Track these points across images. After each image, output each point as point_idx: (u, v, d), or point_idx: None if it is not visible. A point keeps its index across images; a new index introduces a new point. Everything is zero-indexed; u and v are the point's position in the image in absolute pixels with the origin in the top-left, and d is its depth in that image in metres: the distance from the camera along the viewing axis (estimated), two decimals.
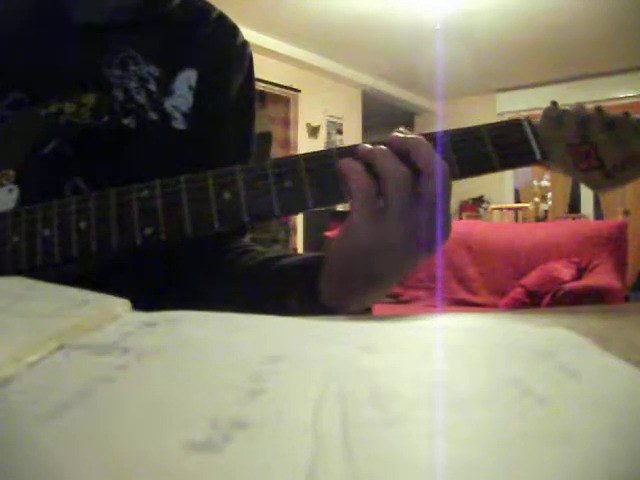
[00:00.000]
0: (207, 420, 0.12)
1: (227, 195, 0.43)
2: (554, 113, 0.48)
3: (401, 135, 0.43)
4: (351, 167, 0.42)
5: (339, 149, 0.44)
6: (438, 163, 0.41)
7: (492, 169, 0.44)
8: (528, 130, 0.46)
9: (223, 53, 0.65)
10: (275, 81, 5.02)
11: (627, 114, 0.48)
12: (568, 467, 0.11)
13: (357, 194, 0.41)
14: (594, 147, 0.46)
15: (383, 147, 0.42)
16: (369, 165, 0.41)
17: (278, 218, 0.45)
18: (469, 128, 0.45)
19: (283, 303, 0.48)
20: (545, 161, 0.46)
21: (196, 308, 0.24)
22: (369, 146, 0.43)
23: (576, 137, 0.47)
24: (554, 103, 0.49)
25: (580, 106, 0.48)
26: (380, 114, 6.37)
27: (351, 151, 0.43)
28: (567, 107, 0.48)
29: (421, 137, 0.43)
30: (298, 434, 0.12)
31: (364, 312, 0.49)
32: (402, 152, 0.42)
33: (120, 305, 0.24)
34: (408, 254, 0.42)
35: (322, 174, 0.43)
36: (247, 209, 0.43)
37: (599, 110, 0.48)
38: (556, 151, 0.46)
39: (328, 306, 0.46)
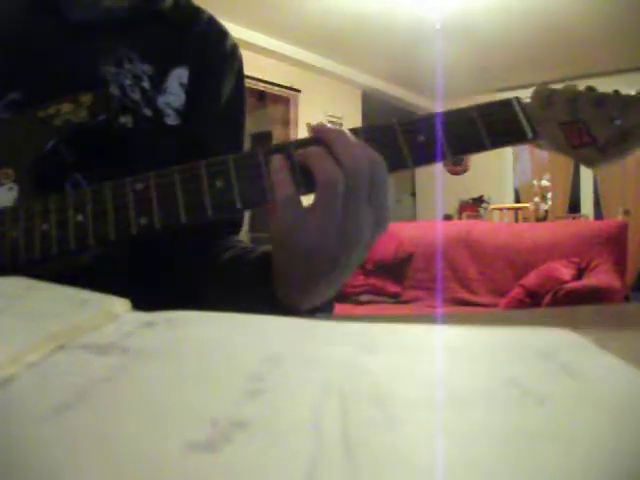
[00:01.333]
0: (207, 420, 0.12)
1: (219, 183, 0.44)
2: (544, 93, 0.48)
3: (323, 128, 0.44)
4: (279, 178, 0.42)
5: (303, 139, 0.45)
6: (361, 156, 0.41)
7: (483, 147, 0.45)
8: (518, 109, 0.46)
9: (214, 53, 0.67)
10: (275, 81, 5.02)
11: (617, 91, 0.48)
12: (568, 467, 0.11)
13: (281, 199, 0.42)
14: (585, 124, 0.47)
15: (317, 149, 0.42)
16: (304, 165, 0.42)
17: (272, 202, 0.45)
18: (459, 109, 0.46)
19: (244, 304, 0.49)
20: (537, 139, 0.46)
21: (193, 307, 0.24)
22: (307, 148, 0.43)
23: (567, 115, 0.47)
24: (544, 83, 0.49)
25: (570, 85, 0.49)
26: (380, 114, 6.38)
27: (311, 141, 0.44)
28: (558, 87, 0.49)
29: (342, 130, 0.43)
30: (298, 434, 0.12)
31: (326, 308, 0.50)
32: (328, 146, 0.42)
33: (120, 305, 0.24)
34: (342, 250, 0.43)
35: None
36: (240, 196, 0.43)
37: (590, 89, 0.48)
38: (547, 129, 0.47)
39: (285, 303, 0.47)
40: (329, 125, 0.44)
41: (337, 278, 0.46)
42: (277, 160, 0.43)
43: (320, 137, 0.43)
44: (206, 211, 0.43)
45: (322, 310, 0.49)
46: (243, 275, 0.52)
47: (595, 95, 0.48)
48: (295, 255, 0.43)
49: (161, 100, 0.60)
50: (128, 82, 0.59)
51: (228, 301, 0.51)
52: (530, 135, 0.45)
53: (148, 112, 0.59)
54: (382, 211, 0.43)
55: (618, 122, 0.46)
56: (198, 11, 0.68)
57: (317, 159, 0.42)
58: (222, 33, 0.69)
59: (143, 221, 0.44)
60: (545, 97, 0.47)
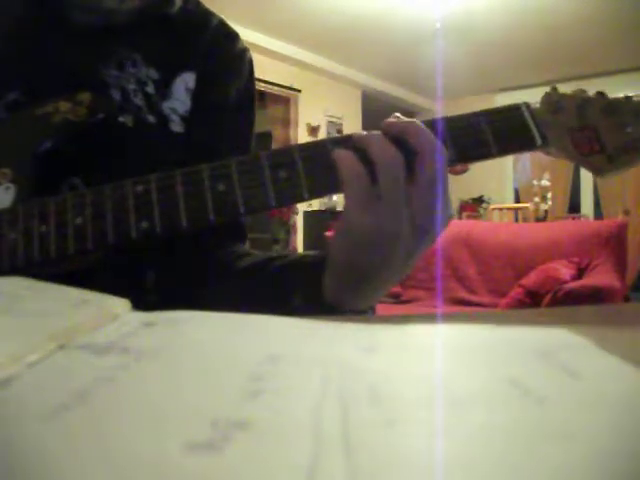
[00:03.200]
0: (207, 420, 0.12)
1: (222, 187, 0.43)
2: (553, 98, 0.47)
3: (394, 119, 0.43)
4: (342, 155, 0.41)
5: (334, 138, 0.44)
6: (434, 144, 0.40)
7: (490, 155, 0.44)
8: (527, 115, 0.45)
9: (222, 57, 0.66)
10: (275, 81, 5.02)
11: (628, 97, 0.47)
12: (568, 467, 0.11)
13: (348, 182, 0.41)
14: (595, 131, 0.45)
15: (376, 132, 0.42)
16: (363, 152, 0.41)
17: (274, 208, 0.44)
18: (467, 114, 0.45)
19: (286, 301, 0.47)
20: (545, 146, 0.45)
21: (195, 309, 0.24)
22: (363, 133, 0.42)
23: (576, 121, 0.46)
24: (554, 88, 0.48)
25: (580, 90, 0.47)
26: (380, 114, 6.37)
27: (345, 140, 0.43)
28: (567, 92, 0.48)
29: (416, 120, 0.42)
30: (298, 434, 0.12)
31: (369, 312, 0.48)
32: (397, 136, 0.41)
33: (120, 305, 0.24)
34: (408, 242, 0.41)
35: (317, 164, 0.43)
36: (243, 200, 0.43)
37: (600, 94, 0.47)
38: (556, 136, 0.45)
39: (333, 303, 0.45)
40: (399, 117, 0.43)
41: (392, 274, 0.44)
42: (339, 149, 0.42)
43: (394, 130, 0.42)
44: (208, 215, 0.42)
45: (364, 314, 0.47)
46: (291, 276, 0.50)
47: (606, 101, 0.46)
48: (365, 239, 0.41)
49: (166, 105, 0.60)
50: (131, 87, 0.58)
51: (267, 305, 0.50)
52: (539, 142, 0.44)
53: (152, 118, 0.59)
54: (448, 201, 0.42)
55: (629, 129, 0.45)
56: (208, 16, 0.67)
57: (373, 141, 0.41)
58: (232, 36, 0.68)
59: (144, 225, 0.43)
60: (554, 102, 0.46)
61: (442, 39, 4.49)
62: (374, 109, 6.16)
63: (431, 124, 0.43)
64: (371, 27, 4.56)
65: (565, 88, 0.49)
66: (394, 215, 0.40)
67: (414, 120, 0.42)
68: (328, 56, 5.33)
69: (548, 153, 0.47)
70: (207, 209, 0.43)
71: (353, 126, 5.91)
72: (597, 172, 0.46)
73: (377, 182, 0.40)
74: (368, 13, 4.33)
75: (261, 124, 5.04)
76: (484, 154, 0.44)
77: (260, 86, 4.76)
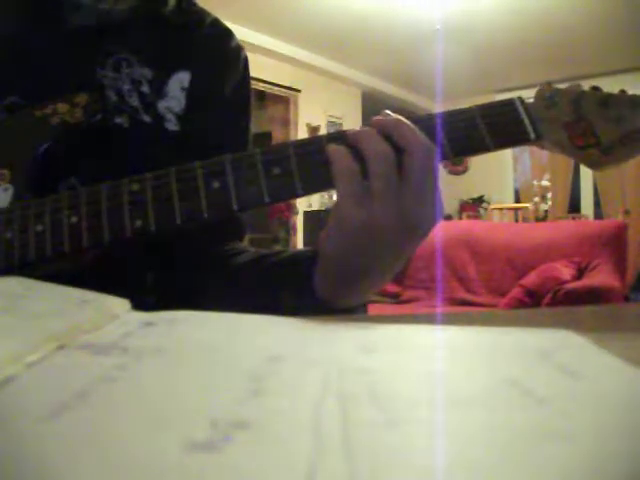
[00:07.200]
0: (207, 420, 0.12)
1: (216, 184, 0.43)
2: (547, 92, 0.47)
3: (381, 117, 0.43)
4: (335, 151, 0.42)
5: (328, 135, 0.44)
6: (421, 142, 0.41)
7: (485, 149, 0.44)
8: (521, 109, 0.45)
9: (217, 55, 0.66)
10: (275, 81, 5.02)
11: (623, 91, 0.47)
12: (568, 466, 0.11)
13: (340, 177, 0.41)
14: (590, 124, 0.46)
15: (368, 128, 0.42)
16: (356, 148, 0.41)
17: (268, 205, 0.44)
18: (461, 109, 0.45)
19: (278, 297, 0.47)
20: (540, 140, 0.45)
21: (193, 308, 0.24)
22: (356, 129, 0.43)
23: (571, 115, 0.46)
24: (548, 83, 0.48)
25: (575, 85, 0.48)
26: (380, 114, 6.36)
27: (339, 136, 0.43)
28: (561, 86, 0.48)
29: (402, 117, 0.43)
30: (298, 434, 0.12)
31: (361, 309, 0.49)
32: (385, 133, 0.41)
33: (120, 305, 0.24)
34: (399, 238, 0.41)
35: (311, 160, 0.43)
36: (236, 197, 0.43)
37: (595, 88, 0.47)
38: (551, 130, 0.46)
39: (324, 300, 0.45)
40: (387, 114, 0.43)
41: (384, 271, 0.44)
42: (332, 145, 0.42)
43: (382, 127, 0.42)
44: (202, 212, 0.43)
45: (356, 312, 0.47)
46: (282, 273, 0.50)
47: (600, 95, 0.47)
48: (356, 234, 0.41)
49: (161, 105, 0.60)
50: (126, 87, 0.58)
51: (260, 302, 0.49)
52: (533, 136, 0.45)
53: (147, 118, 0.59)
54: (438, 198, 0.42)
55: (624, 122, 0.45)
56: (202, 14, 0.67)
57: (366, 137, 0.41)
58: (226, 34, 0.68)
59: (138, 223, 0.43)
60: (548, 97, 0.47)
61: (442, 40, 4.49)
62: (374, 109, 6.15)
63: (425, 119, 0.43)
64: (371, 27, 4.56)
65: None
66: (385, 211, 0.40)
67: (401, 118, 0.42)
68: (328, 56, 5.32)
69: (543, 147, 0.47)
70: (201, 206, 0.43)
71: (353, 126, 5.84)
72: (593, 165, 0.46)
73: (369, 177, 0.40)
74: (368, 13, 4.33)
75: (261, 124, 5.05)
76: (478, 148, 0.44)
77: (260, 86, 4.76)
